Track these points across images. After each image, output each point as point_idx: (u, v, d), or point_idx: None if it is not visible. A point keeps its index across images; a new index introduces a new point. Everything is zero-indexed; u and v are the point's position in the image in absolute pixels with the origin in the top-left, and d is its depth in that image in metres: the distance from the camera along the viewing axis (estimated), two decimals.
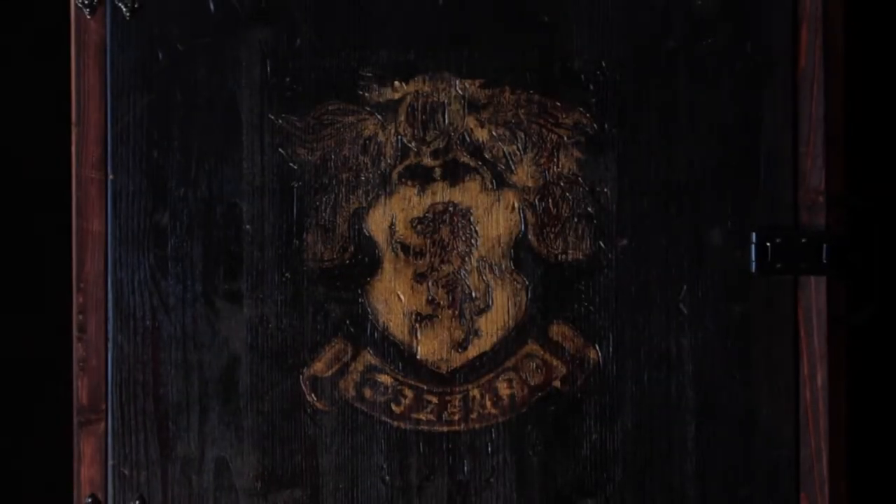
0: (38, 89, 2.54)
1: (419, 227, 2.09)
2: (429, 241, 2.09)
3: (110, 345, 2.09)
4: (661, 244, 2.06)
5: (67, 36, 2.10)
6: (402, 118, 2.09)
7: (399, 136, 2.09)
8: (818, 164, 2.05)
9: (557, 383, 2.08)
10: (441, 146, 2.09)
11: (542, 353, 2.08)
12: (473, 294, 2.09)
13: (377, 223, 2.09)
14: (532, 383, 2.08)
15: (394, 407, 2.09)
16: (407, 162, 2.09)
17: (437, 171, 2.09)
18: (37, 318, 2.56)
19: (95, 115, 2.10)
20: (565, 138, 2.08)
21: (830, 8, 2.05)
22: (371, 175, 2.09)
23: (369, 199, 2.09)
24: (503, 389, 2.08)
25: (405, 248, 2.09)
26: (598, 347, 2.07)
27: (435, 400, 2.09)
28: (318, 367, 2.09)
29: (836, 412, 2.05)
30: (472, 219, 2.09)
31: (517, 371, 2.08)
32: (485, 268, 2.08)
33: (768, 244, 2.05)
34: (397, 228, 2.09)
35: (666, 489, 2.07)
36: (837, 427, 2.06)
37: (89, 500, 2.08)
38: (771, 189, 2.06)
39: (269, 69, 2.08)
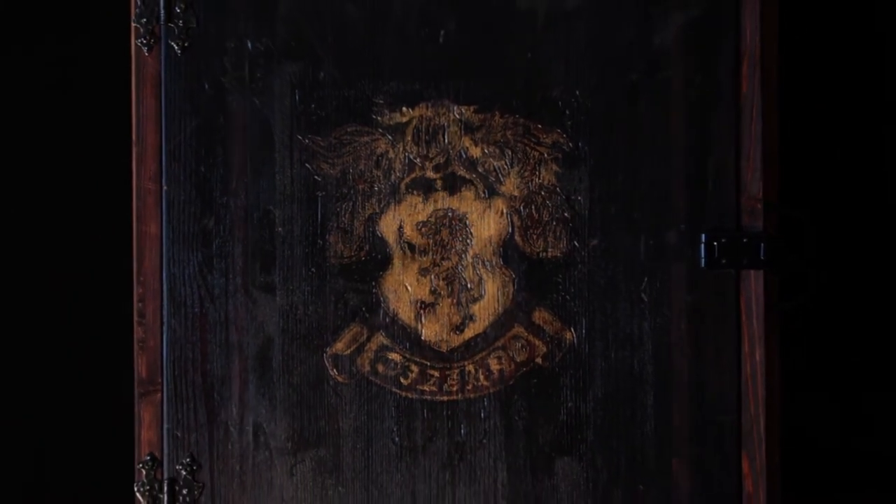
0: (103, 114, 2.53)
1: (423, 229, 2.13)
2: (431, 241, 2.14)
3: (165, 328, 2.14)
4: (626, 243, 2.12)
5: (129, 69, 2.15)
6: (409, 138, 2.13)
7: (406, 153, 2.13)
8: (757, 176, 2.09)
9: (539, 360, 2.13)
10: (441, 161, 2.13)
11: (526, 334, 2.14)
12: (469, 285, 2.14)
13: (388, 226, 2.14)
14: (518, 360, 2.14)
15: (402, 380, 2.14)
16: (413, 175, 2.14)
17: (438, 183, 2.13)
18: (104, 306, 2.56)
19: (152, 136, 2.14)
20: (545, 155, 2.12)
21: (767, 45, 2.10)
22: (383, 186, 2.13)
23: (381, 206, 2.13)
24: (494, 365, 2.14)
25: (411, 247, 2.14)
26: (573, 330, 2.13)
27: (437, 374, 2.14)
28: (339, 346, 2.14)
29: (771, 383, 2.11)
30: (467, 222, 2.13)
31: (505, 350, 2.14)
32: (478, 263, 2.14)
33: (715, 243, 2.10)
34: (405, 230, 2.13)
35: (629, 448, 2.13)
36: (772, 396, 2.11)
37: (148, 458, 2.14)
38: (717, 197, 2.10)
39: (297, 97, 2.13)
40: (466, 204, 2.15)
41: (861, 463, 2.50)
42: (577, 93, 2.12)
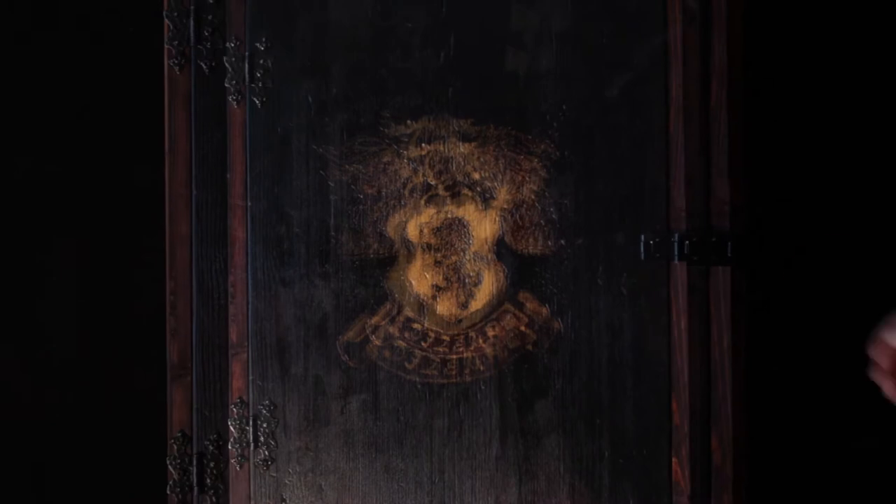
0: (138, 126, 2.53)
1: (425, 229, 2.20)
2: (432, 241, 2.20)
3: (194, 318, 2.21)
4: (608, 242, 2.18)
5: (162, 86, 2.22)
6: (413, 147, 2.19)
7: (410, 161, 2.19)
8: (724, 182, 2.16)
9: (530, 347, 2.20)
10: (442, 168, 2.20)
11: (518, 324, 2.20)
12: (467, 281, 2.19)
13: (394, 227, 2.20)
14: (511, 347, 2.20)
15: (407, 365, 2.21)
16: (416, 180, 2.20)
17: (439, 187, 2.20)
18: (140, 299, 2.57)
19: (183, 146, 2.21)
20: (535, 162, 2.19)
21: (733, 65, 2.17)
22: (389, 191, 2.20)
23: (388, 209, 2.20)
24: (489, 351, 2.20)
25: (415, 246, 2.20)
26: (560, 320, 2.19)
27: (438, 360, 2.20)
28: (350, 335, 2.21)
29: (737, 367, 2.18)
30: (465, 222, 2.20)
31: (499, 338, 2.20)
32: (476, 261, 2.20)
33: (687, 242, 2.16)
34: (409, 231, 2.20)
35: (610, 426, 2.19)
36: (738, 378, 2.18)
37: (179, 434, 2.22)
38: (689, 200, 2.17)
39: (312, 111, 2.19)
40: (464, 206, 2.21)
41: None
42: (564, 107, 2.19)
